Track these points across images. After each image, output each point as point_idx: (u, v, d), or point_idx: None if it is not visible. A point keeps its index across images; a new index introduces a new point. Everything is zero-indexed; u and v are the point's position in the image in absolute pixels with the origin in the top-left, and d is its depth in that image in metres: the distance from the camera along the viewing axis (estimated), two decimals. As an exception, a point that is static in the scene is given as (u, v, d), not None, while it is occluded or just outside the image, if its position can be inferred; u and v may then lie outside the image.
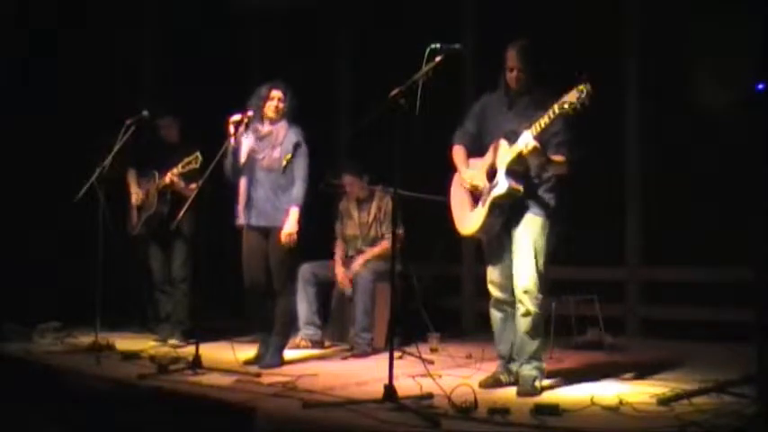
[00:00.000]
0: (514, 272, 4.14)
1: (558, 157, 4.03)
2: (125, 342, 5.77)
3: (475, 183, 4.21)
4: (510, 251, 4.19)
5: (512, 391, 4.14)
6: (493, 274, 4.30)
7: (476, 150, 4.32)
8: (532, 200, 4.12)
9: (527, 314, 4.11)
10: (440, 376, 4.38)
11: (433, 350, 5.57)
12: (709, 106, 5.64)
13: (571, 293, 5.41)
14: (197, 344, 4.76)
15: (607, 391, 4.00)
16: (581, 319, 5.66)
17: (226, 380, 4.43)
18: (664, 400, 3.72)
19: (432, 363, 4.91)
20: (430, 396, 3.78)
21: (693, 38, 5.84)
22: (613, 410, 3.60)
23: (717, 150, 5.67)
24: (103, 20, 7.48)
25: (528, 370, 4.13)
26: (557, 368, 4.67)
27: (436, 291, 6.67)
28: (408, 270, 5.94)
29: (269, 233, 4.94)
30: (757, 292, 4.27)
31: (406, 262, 5.79)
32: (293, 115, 5.03)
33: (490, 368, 4.44)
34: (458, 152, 4.36)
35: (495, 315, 4.35)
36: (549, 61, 4.15)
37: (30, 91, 7.12)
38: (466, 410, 3.52)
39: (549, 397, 3.98)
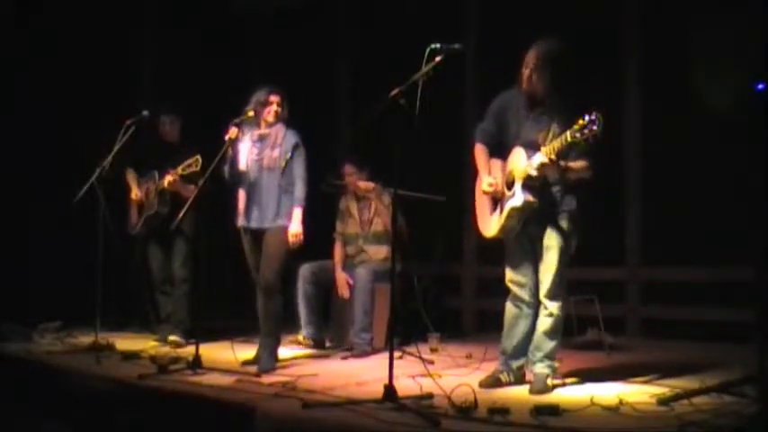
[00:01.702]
0: (540, 276, 4.18)
1: (578, 163, 4.05)
2: (125, 342, 5.78)
3: (493, 189, 4.23)
4: (531, 252, 4.23)
5: (512, 391, 4.15)
6: (513, 273, 4.30)
7: (497, 147, 4.31)
8: (556, 204, 4.15)
9: (550, 315, 4.16)
10: (440, 376, 4.38)
11: (433, 350, 5.57)
12: (710, 106, 5.64)
13: (571, 293, 5.39)
14: (197, 344, 4.76)
15: (607, 391, 3.99)
16: (581, 319, 5.66)
17: (225, 380, 4.43)
18: (664, 400, 3.72)
19: (432, 363, 4.91)
20: (430, 396, 3.78)
21: (694, 38, 5.84)
22: (613, 410, 3.59)
23: (717, 150, 5.67)
24: (104, 20, 7.48)
25: (541, 368, 4.17)
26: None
27: (436, 291, 6.67)
28: (408, 270, 5.94)
29: (266, 231, 4.96)
30: (757, 292, 4.27)
31: (406, 261, 5.79)
32: (288, 118, 5.07)
33: (490, 368, 4.44)
34: (480, 153, 4.35)
35: (511, 310, 4.34)
36: (571, 68, 4.11)
37: (29, 91, 7.12)
38: (466, 410, 3.51)
39: (550, 397, 3.98)
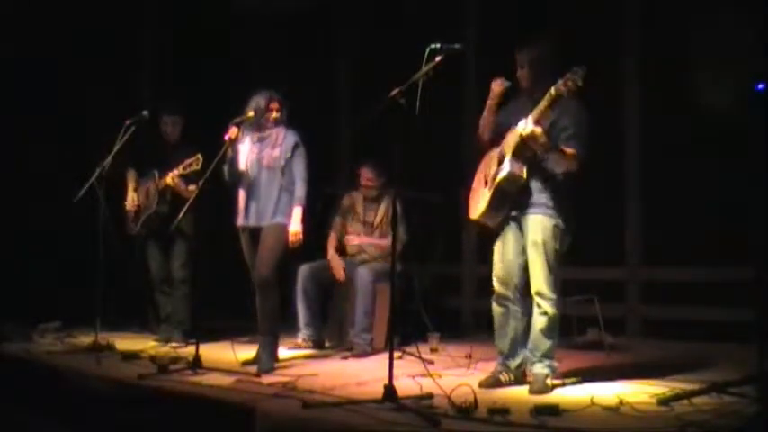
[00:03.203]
0: (530, 273, 4.19)
1: (567, 150, 4.06)
2: (125, 342, 5.77)
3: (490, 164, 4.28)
4: (516, 248, 4.23)
5: (512, 391, 4.15)
6: (497, 268, 4.31)
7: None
8: (542, 200, 4.16)
9: (544, 314, 4.15)
10: (440, 376, 4.38)
11: (433, 350, 5.57)
12: (710, 106, 5.64)
13: (571, 293, 5.40)
14: (197, 344, 4.76)
15: (607, 391, 3.99)
16: (581, 319, 5.66)
17: (226, 380, 4.43)
18: (664, 400, 3.72)
19: (432, 363, 4.90)
20: (430, 396, 3.78)
21: (694, 38, 5.84)
22: (613, 410, 3.59)
23: (717, 150, 5.67)
24: (104, 20, 7.48)
25: (540, 368, 4.16)
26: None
27: (436, 291, 6.67)
28: (408, 270, 5.94)
29: (263, 229, 4.96)
30: (757, 292, 4.27)
31: (406, 262, 5.79)
32: (288, 120, 5.10)
33: (488, 368, 4.45)
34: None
35: (497, 310, 4.35)
36: (562, 61, 4.16)
37: (29, 91, 7.12)
38: (466, 410, 3.51)
39: (549, 397, 3.99)
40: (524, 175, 4.08)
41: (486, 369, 4.62)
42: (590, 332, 5.68)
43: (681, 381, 4.22)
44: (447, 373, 4.59)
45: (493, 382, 4.25)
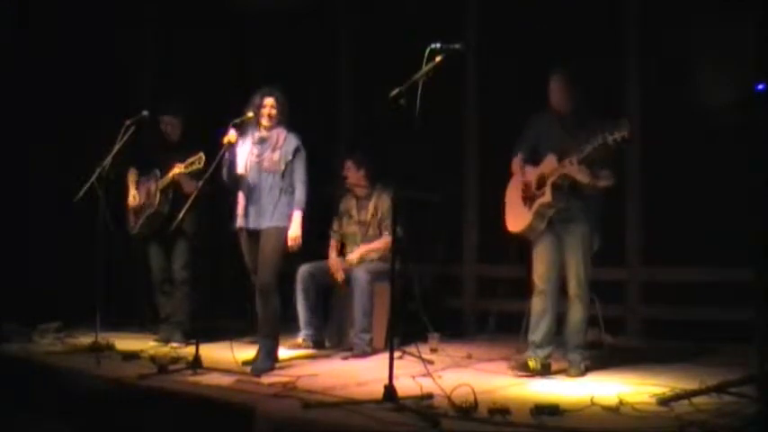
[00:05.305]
0: (567, 272, 4.61)
1: (604, 173, 4.48)
2: (125, 342, 5.77)
3: (528, 184, 4.70)
4: (553, 251, 4.65)
5: (512, 390, 4.16)
6: (538, 268, 4.68)
7: (530, 159, 4.78)
8: (580, 209, 4.56)
9: (580, 302, 4.58)
10: (440, 376, 4.38)
11: (432, 350, 5.57)
12: (710, 106, 5.64)
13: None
14: (197, 344, 4.76)
15: (607, 391, 4.00)
16: (581, 319, 5.65)
17: (226, 380, 4.44)
18: (664, 400, 3.72)
19: (432, 363, 4.91)
20: (430, 396, 3.79)
21: (693, 37, 5.84)
22: (613, 410, 3.60)
23: (717, 150, 5.67)
24: (104, 19, 7.48)
25: (576, 354, 4.56)
26: (557, 368, 4.67)
27: (436, 291, 6.67)
28: (408, 270, 5.93)
29: (262, 232, 4.95)
30: (757, 292, 4.27)
31: (405, 262, 5.78)
32: (288, 120, 5.06)
33: (487, 368, 4.43)
34: (517, 161, 4.83)
35: (539, 304, 4.69)
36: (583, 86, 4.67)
37: (30, 91, 7.11)
38: (466, 410, 3.52)
39: (550, 397, 3.98)
40: (563, 201, 4.52)
41: (486, 369, 4.64)
42: (590, 332, 5.66)
43: (681, 381, 4.22)
44: (447, 373, 4.59)
45: (521, 367, 4.58)
